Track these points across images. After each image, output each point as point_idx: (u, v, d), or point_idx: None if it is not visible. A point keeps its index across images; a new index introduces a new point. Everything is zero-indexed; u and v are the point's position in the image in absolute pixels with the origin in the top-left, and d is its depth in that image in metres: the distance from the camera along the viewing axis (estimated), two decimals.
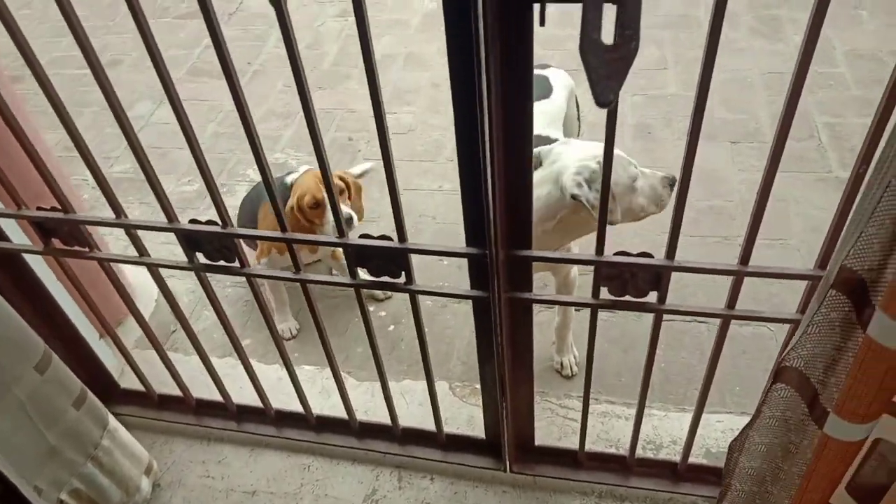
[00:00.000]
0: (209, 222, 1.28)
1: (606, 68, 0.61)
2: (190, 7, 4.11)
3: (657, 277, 1.15)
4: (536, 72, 2.16)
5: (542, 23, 0.78)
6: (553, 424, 1.77)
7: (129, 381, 1.86)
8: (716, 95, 2.82)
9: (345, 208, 1.91)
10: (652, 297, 1.19)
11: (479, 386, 1.88)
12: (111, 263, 1.49)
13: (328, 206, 1.77)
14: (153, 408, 1.84)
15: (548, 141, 1.81)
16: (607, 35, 0.63)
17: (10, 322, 1.28)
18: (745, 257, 1.11)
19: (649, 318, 1.26)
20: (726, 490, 1.31)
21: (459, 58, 0.91)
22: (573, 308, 1.93)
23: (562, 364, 2.00)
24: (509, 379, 1.42)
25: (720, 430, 1.73)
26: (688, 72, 3.14)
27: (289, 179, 2.07)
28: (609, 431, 1.74)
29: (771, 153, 0.99)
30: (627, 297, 1.19)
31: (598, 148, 1.50)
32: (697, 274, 1.16)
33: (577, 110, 2.20)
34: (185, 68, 3.61)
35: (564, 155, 1.58)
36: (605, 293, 1.20)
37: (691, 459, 1.55)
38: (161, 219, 1.30)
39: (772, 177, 1.02)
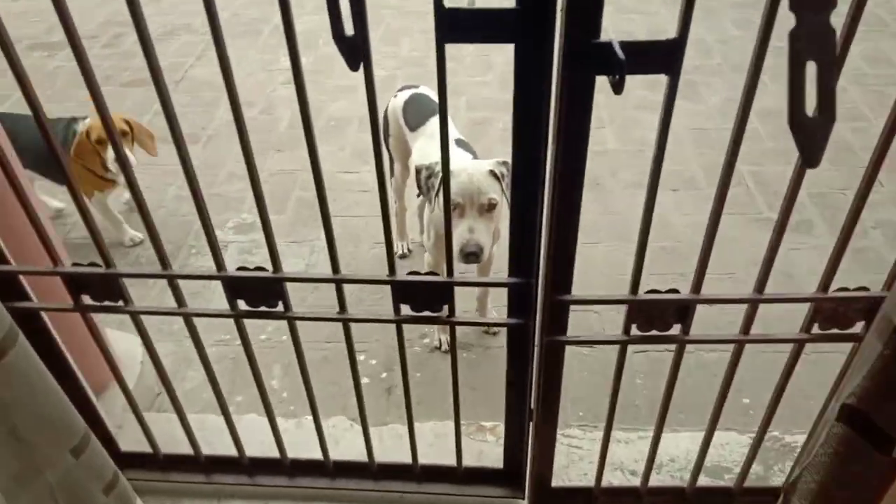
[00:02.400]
0: (258, 268, 1.33)
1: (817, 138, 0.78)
2: (133, 75, 4.11)
3: (684, 311, 1.31)
4: (413, 91, 2.49)
5: (619, 91, 0.92)
6: (559, 453, 1.87)
7: (126, 444, 1.81)
8: (649, 149, 3.13)
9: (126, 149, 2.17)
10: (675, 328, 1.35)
11: (483, 423, 1.97)
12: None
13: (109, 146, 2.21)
14: (158, 469, 1.79)
15: (467, 145, 2.23)
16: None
17: (51, 399, 1.22)
18: (759, 286, 1.28)
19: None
20: None
21: (527, 96, 1.05)
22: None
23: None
24: (537, 413, 1.52)
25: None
26: (624, 129, 3.46)
27: (78, 126, 2.70)
28: (612, 456, 1.86)
29: (715, 200, 1.19)
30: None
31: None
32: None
33: None
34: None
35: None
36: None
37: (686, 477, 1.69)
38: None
39: (716, 219, 1.22)
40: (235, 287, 1.36)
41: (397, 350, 1.45)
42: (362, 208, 3.01)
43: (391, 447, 1.88)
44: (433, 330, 2.35)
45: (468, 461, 1.86)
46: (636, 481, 1.81)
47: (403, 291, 1.34)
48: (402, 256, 2.76)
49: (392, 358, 2.31)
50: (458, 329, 2.43)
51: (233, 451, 1.73)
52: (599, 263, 2.72)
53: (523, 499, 1.73)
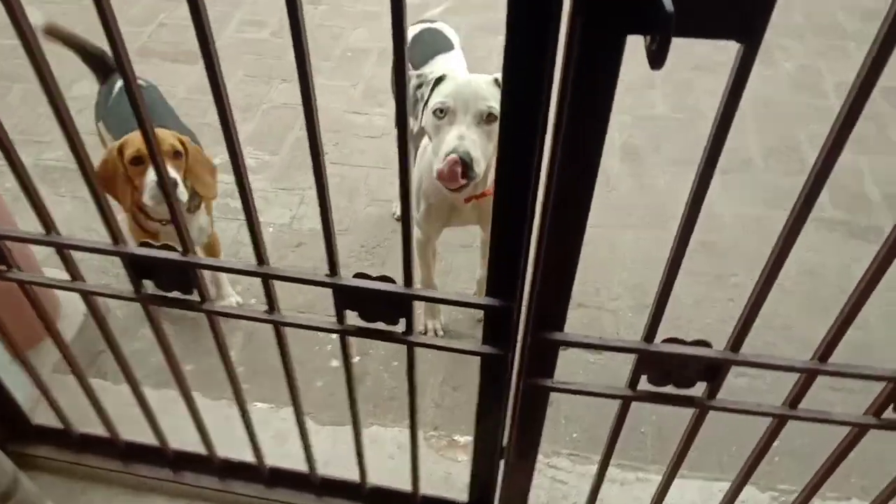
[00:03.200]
0: (164, 246, 1.02)
1: None
2: None
3: (713, 371, 0.97)
4: (428, 25, 2.11)
5: (658, 63, 0.57)
6: (539, 487, 1.57)
7: (43, 417, 1.55)
8: (704, 121, 2.70)
9: (172, 171, 1.67)
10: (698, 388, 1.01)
11: (457, 437, 1.67)
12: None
13: (151, 169, 1.61)
14: (71, 449, 1.54)
15: None
16: None
17: None
18: (824, 354, 0.93)
19: None
20: None
21: (522, 64, 0.69)
22: None
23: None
24: (508, 453, 1.21)
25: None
26: (676, 93, 3.01)
27: None
28: (602, 499, 1.55)
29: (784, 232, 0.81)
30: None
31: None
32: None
33: None
34: (135, 48, 3.26)
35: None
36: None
37: None
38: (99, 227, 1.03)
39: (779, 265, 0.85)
40: (139, 266, 1.06)
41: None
42: (366, 157, 2.66)
43: (345, 453, 1.60)
44: (419, 312, 2.04)
45: (433, 483, 1.58)
46: None
47: (350, 297, 1.02)
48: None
49: (366, 343, 2.01)
50: (446, 315, 2.14)
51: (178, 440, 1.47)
52: (625, 254, 2.35)
53: None
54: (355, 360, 1.95)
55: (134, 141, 1.68)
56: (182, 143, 1.74)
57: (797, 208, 0.78)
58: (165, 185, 0.95)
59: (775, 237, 0.83)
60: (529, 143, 0.76)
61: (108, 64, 2.04)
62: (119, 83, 1.98)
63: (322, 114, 2.73)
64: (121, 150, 1.68)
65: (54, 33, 1.98)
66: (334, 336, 1.98)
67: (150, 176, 1.65)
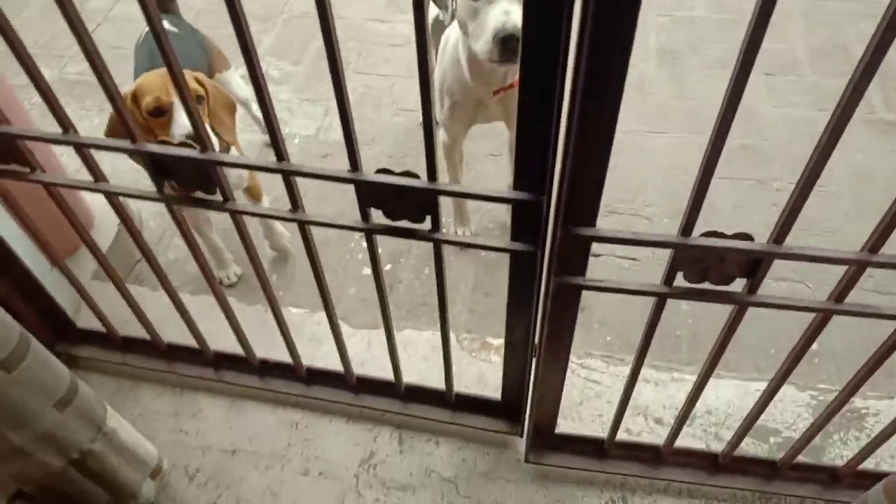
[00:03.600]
0: (183, 144, 1.00)
1: None
2: None
3: (753, 265, 0.93)
4: None
5: None
6: (572, 387, 1.58)
7: (86, 321, 1.61)
8: (746, 23, 2.54)
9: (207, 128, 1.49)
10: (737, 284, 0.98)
11: (490, 339, 1.69)
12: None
13: (177, 115, 1.42)
14: (117, 350, 1.60)
15: None
16: None
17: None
18: (874, 247, 0.88)
19: None
20: None
21: None
22: None
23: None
24: (542, 354, 1.21)
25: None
26: None
27: None
28: (637, 398, 1.56)
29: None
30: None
31: None
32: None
33: None
34: None
35: None
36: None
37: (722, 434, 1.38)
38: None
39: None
40: (160, 165, 1.05)
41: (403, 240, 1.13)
42: (391, 66, 2.58)
43: (380, 355, 1.63)
44: (448, 220, 2.02)
45: (466, 383, 1.61)
46: (660, 431, 1.52)
47: (373, 195, 1.00)
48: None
49: (399, 247, 2.02)
50: (476, 224, 2.12)
51: (218, 343, 1.52)
52: (661, 158, 2.27)
53: (521, 436, 1.48)
54: (386, 267, 1.96)
55: (151, 86, 1.46)
56: (202, 85, 1.56)
57: (843, 103, 0.73)
58: (203, 141, 0.92)
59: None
60: (557, 21, 0.71)
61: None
62: (146, 29, 1.79)
63: (343, 22, 2.66)
64: (135, 99, 1.47)
65: None
66: (365, 244, 1.99)
67: (177, 129, 1.42)
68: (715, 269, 0.95)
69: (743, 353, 1.72)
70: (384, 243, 2.00)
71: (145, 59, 1.76)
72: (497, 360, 1.64)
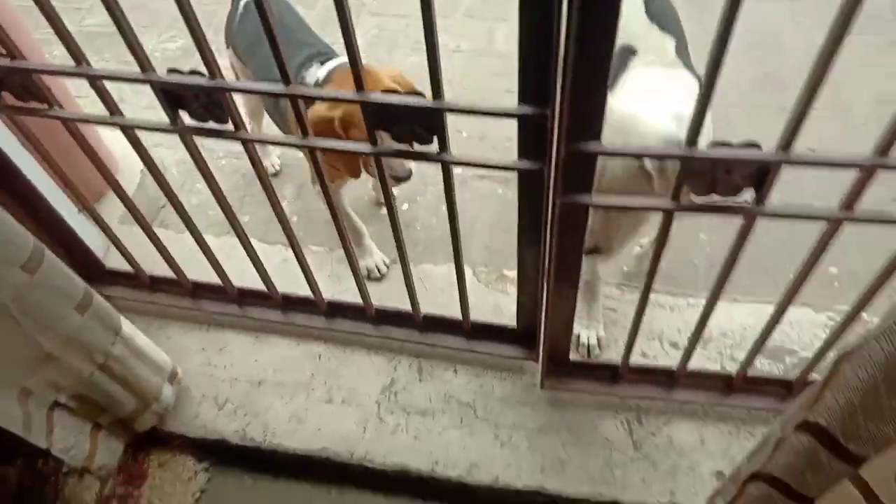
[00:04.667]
0: (193, 72, 1.02)
1: None
2: None
3: (762, 174, 0.92)
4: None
5: None
6: None
7: (115, 262, 1.67)
8: None
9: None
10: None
11: (506, 272, 1.71)
12: (86, 128, 1.25)
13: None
14: (145, 289, 1.66)
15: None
16: None
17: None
18: (883, 147, 0.87)
19: None
20: None
21: None
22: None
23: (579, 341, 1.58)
24: (552, 277, 1.23)
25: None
26: None
27: (318, 73, 1.46)
28: (651, 322, 1.58)
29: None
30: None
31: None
32: None
33: None
34: None
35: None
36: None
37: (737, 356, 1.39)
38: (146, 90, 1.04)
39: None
40: (171, 94, 1.07)
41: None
42: (406, 5, 2.55)
43: (398, 289, 1.66)
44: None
45: (484, 313, 1.63)
46: (675, 355, 1.54)
47: (380, 115, 1.01)
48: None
49: (416, 188, 2.03)
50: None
51: (242, 281, 1.57)
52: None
53: (537, 361, 1.51)
54: (403, 207, 1.98)
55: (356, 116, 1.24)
56: (400, 85, 1.37)
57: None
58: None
59: (848, 67, 0.77)
60: None
61: None
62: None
63: None
64: (344, 124, 1.30)
65: None
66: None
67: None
68: (722, 181, 0.95)
69: (760, 278, 1.71)
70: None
71: (255, 39, 1.55)
72: (513, 290, 1.65)
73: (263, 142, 1.15)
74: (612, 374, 1.47)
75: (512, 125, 0.97)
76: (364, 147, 1.07)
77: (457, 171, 1.10)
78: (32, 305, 1.12)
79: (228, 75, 1.08)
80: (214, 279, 1.57)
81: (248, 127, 1.35)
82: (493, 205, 1.95)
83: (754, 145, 0.92)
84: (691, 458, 1.37)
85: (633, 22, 1.41)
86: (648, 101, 1.18)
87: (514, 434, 1.43)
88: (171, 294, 1.65)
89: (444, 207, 1.15)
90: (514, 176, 1.09)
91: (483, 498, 1.40)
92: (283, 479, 1.48)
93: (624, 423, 1.44)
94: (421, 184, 2.01)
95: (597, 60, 0.83)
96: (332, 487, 1.46)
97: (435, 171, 1.15)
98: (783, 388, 1.40)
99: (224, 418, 1.50)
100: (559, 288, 1.26)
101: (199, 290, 1.64)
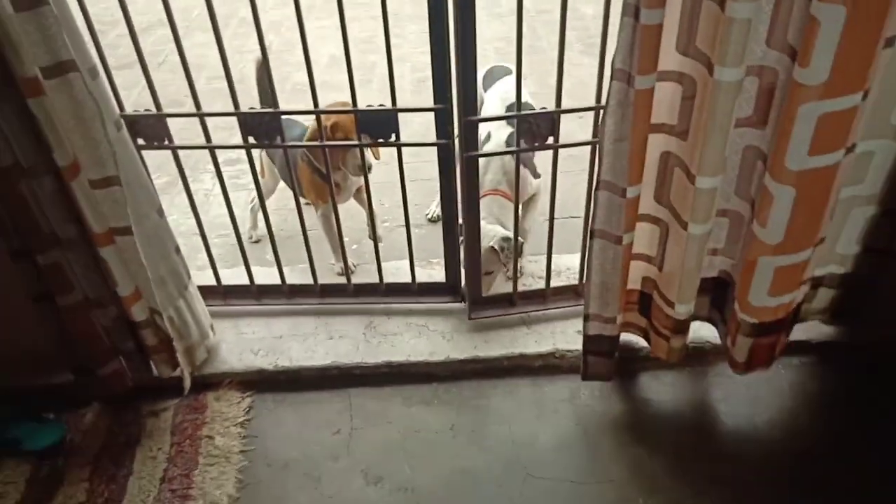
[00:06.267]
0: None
1: None
2: (117, 61, 4.64)
3: (552, 124, 1.95)
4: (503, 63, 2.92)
5: None
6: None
7: None
8: None
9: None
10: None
11: (433, 260, 2.60)
12: None
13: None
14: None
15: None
16: None
17: (139, 171, 1.79)
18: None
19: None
20: None
21: None
22: None
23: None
24: (466, 229, 2.15)
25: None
26: None
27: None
28: (528, 266, 2.50)
29: None
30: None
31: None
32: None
33: None
34: None
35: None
36: None
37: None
38: None
39: None
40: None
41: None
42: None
43: (363, 275, 2.50)
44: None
45: (422, 280, 2.48)
46: (542, 283, 2.42)
47: (364, 120, 1.97)
48: None
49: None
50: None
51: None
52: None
53: (462, 302, 2.35)
54: (385, 205, 2.84)
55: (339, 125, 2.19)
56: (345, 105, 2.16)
57: None
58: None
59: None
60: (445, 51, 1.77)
61: None
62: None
63: None
64: (333, 131, 2.18)
65: None
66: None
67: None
68: (536, 132, 1.97)
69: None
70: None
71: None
72: (438, 268, 2.54)
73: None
74: (509, 301, 2.35)
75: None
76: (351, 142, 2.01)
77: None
78: (159, 239, 1.87)
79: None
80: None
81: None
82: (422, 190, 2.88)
83: (547, 110, 1.96)
84: (563, 327, 2.24)
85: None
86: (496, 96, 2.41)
87: (455, 335, 2.24)
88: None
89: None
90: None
91: (441, 373, 2.16)
92: (305, 392, 2.16)
93: (520, 321, 2.30)
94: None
95: (469, 75, 1.85)
96: (339, 390, 2.16)
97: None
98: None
99: (260, 358, 2.19)
100: (470, 234, 2.17)
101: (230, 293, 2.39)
